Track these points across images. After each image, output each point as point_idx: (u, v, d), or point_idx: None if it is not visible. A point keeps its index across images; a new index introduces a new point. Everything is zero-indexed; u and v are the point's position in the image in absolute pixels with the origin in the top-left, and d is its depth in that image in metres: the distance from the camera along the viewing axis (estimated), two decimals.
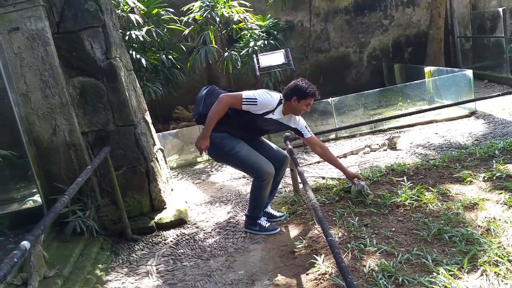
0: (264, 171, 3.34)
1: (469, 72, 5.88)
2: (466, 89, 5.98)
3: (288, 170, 3.89)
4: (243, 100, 3.20)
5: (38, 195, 3.72)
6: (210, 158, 3.77)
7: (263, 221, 3.59)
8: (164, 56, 6.40)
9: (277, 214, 3.71)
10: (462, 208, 3.18)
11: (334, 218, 3.35)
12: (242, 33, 7.06)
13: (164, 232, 3.77)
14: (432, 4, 8.21)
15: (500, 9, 7.58)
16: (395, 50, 9.13)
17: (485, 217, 3.01)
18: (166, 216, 3.90)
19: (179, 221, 3.87)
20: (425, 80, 6.69)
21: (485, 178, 3.62)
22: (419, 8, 8.97)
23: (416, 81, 6.77)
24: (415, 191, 3.51)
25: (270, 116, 3.28)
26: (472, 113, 5.83)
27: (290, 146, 3.75)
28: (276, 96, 3.30)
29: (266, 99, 3.24)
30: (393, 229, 3.05)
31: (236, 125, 3.30)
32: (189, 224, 3.89)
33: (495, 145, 4.30)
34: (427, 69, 6.86)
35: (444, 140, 4.94)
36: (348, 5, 8.79)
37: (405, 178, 3.78)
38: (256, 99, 3.21)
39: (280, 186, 4.38)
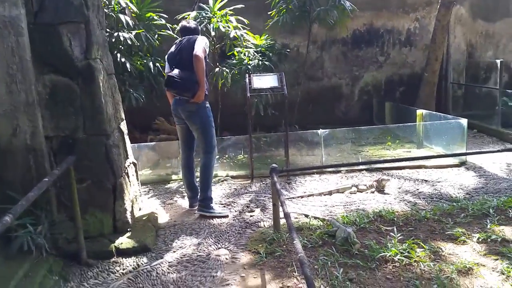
0: (215, 145, 4.15)
1: (464, 121, 5.69)
2: (458, 138, 5.79)
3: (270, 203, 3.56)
4: (205, 48, 3.84)
5: None
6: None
7: (215, 205, 4.22)
8: (151, 62, 6.02)
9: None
10: (456, 273, 2.89)
11: (316, 267, 3.01)
12: (236, 50, 6.74)
13: (124, 259, 3.34)
14: (430, 47, 8.13)
15: (498, 61, 7.51)
16: (387, 88, 8.98)
17: (482, 286, 2.74)
18: (128, 241, 3.47)
19: (143, 248, 3.46)
20: (416, 124, 6.51)
21: (480, 240, 3.36)
22: (415, 49, 8.87)
23: (408, 123, 6.59)
24: (405, 246, 3.21)
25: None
26: (462, 163, 5.63)
27: (275, 179, 3.42)
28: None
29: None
30: None
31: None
32: (153, 252, 3.48)
33: (489, 202, 4.08)
34: (419, 111, 6.66)
35: (434, 189, 4.70)
36: (346, 37, 8.63)
37: (394, 228, 3.50)
38: (206, 42, 3.93)
39: (258, 220, 4.05)
